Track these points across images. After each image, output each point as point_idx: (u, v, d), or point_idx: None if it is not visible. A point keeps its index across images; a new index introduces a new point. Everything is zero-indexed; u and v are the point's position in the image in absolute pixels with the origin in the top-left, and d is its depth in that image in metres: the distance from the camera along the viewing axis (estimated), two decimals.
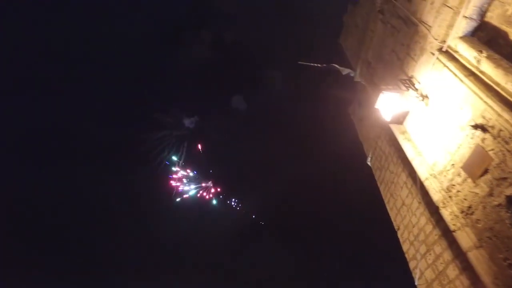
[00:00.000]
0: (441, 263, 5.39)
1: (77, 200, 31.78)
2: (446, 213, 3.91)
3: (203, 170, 37.28)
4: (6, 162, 30.60)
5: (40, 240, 30.18)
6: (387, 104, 4.18)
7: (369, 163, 8.93)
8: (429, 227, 5.77)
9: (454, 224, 3.73)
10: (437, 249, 5.49)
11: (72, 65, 33.31)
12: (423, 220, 6.02)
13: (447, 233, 5.13)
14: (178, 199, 35.56)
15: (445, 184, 3.88)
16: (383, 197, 8.05)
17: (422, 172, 4.49)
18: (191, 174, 36.99)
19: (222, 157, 36.80)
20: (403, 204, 6.92)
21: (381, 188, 8.14)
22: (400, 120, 4.21)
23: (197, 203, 36.44)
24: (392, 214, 7.53)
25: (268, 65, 34.39)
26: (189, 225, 33.03)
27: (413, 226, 6.45)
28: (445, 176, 3.88)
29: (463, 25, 3.65)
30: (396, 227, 7.34)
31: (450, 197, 3.83)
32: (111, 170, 31.48)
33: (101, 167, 31.54)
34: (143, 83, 35.32)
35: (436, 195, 4.13)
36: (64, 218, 31.32)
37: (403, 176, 6.92)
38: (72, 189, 31.52)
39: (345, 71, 7.59)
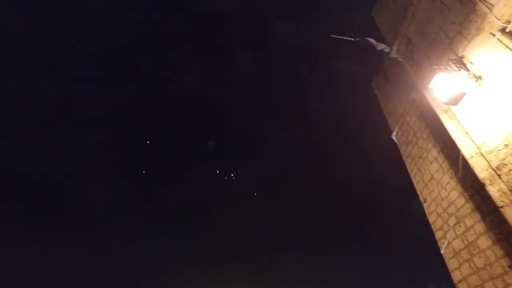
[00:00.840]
0: (472, 234, 5.75)
1: None
2: (493, 190, 4.16)
3: None
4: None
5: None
6: (441, 84, 4.29)
7: (394, 138, 9.13)
8: (461, 201, 6.08)
9: (502, 201, 3.99)
10: (469, 221, 5.83)
11: None
12: (454, 194, 6.33)
13: (481, 208, 5.43)
14: None
15: (495, 163, 4.09)
16: (409, 171, 8.34)
17: (467, 151, 4.69)
18: None
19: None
20: (432, 178, 7.21)
21: (407, 162, 8.40)
22: (456, 101, 4.34)
23: None
24: (418, 187, 7.85)
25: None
26: None
27: (442, 200, 6.77)
28: (495, 155, 4.08)
29: None
30: (422, 200, 7.68)
31: (499, 175, 4.05)
32: None
33: None
34: None
35: (482, 173, 4.36)
36: None
37: (434, 152, 7.14)
38: None
39: (380, 46, 7.58)
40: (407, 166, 8.43)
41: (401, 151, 8.72)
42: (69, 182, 33.69)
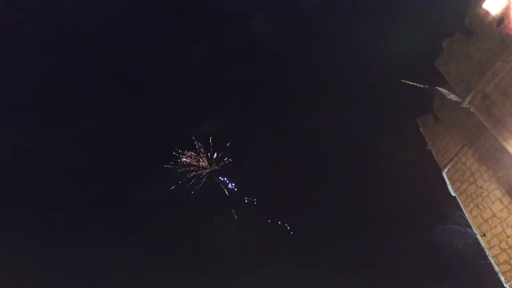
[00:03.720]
0: None
1: None
2: None
3: None
4: None
5: None
6: None
7: (444, 174, 10.10)
8: None
9: None
10: None
11: None
12: None
13: None
14: None
15: None
16: (463, 205, 9.29)
17: None
18: None
19: None
20: (494, 215, 8.16)
21: (461, 198, 9.36)
22: None
23: None
24: (475, 222, 8.80)
25: None
26: None
27: (508, 237, 7.71)
28: None
29: None
30: (480, 234, 8.61)
31: None
32: None
33: None
34: None
35: None
36: None
37: (497, 193, 8.12)
38: None
39: (450, 95, 8.53)
40: (461, 201, 9.39)
41: (453, 186, 9.68)
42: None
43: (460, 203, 9.67)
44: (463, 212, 12.84)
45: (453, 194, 11.22)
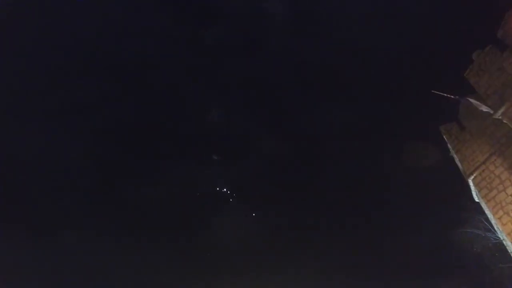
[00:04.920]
0: None
1: None
2: None
3: None
4: None
5: None
6: None
7: (470, 181, 10.39)
8: None
9: None
10: None
11: None
12: None
13: None
14: None
15: None
16: (493, 213, 9.58)
17: None
18: None
19: None
20: None
21: (489, 205, 9.65)
22: None
23: None
24: (505, 229, 9.10)
25: None
26: None
27: None
28: None
29: None
30: (510, 240, 8.92)
31: None
32: None
33: None
34: None
35: None
36: None
37: None
38: None
39: (482, 106, 8.82)
40: (490, 208, 9.68)
41: (481, 193, 9.97)
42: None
43: (486, 209, 9.98)
44: (482, 216, 13.22)
45: (477, 200, 11.57)
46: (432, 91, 9.32)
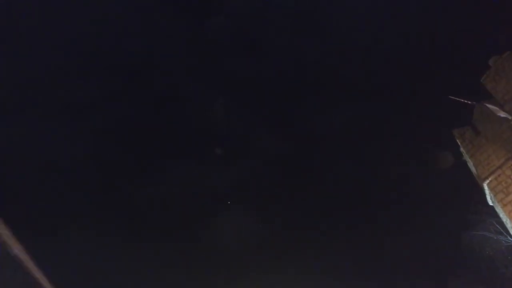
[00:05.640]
0: None
1: None
2: None
3: None
4: None
5: None
6: None
7: (485, 185, 10.53)
8: None
9: None
10: None
11: None
12: None
13: None
14: None
15: None
16: (508, 216, 9.72)
17: None
18: None
19: None
20: None
21: (506, 209, 9.79)
22: None
23: None
24: None
25: None
26: None
27: None
28: None
29: None
30: None
31: None
32: None
33: None
34: None
35: None
36: None
37: None
38: None
39: (500, 112, 8.95)
40: (505, 212, 9.83)
41: (496, 198, 10.11)
42: None
43: (501, 213, 10.12)
44: (494, 219, 13.37)
45: (491, 204, 11.70)
46: (450, 97, 9.45)
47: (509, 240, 12.76)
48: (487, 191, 10.75)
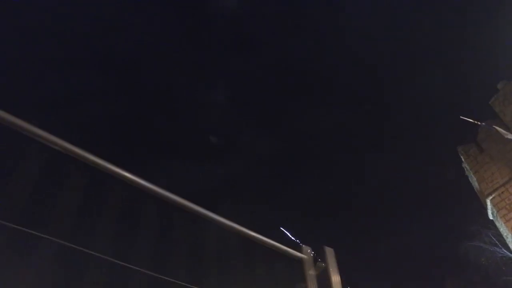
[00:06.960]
0: None
1: None
2: None
3: None
4: None
5: None
6: None
7: (488, 201, 11.15)
8: None
9: None
10: None
11: None
12: None
13: None
14: None
15: None
16: (511, 231, 10.34)
17: None
18: None
19: None
20: None
21: (508, 225, 10.42)
22: None
23: None
24: None
25: None
26: None
27: None
28: None
29: None
30: None
31: None
32: None
33: None
34: None
35: None
36: None
37: None
38: None
39: (508, 135, 9.53)
40: (507, 228, 10.45)
41: (499, 214, 10.74)
42: None
43: (502, 227, 10.76)
44: (490, 232, 14.09)
45: (491, 218, 12.36)
46: (461, 117, 10.00)
47: (503, 252, 13.48)
48: (489, 206, 11.38)
